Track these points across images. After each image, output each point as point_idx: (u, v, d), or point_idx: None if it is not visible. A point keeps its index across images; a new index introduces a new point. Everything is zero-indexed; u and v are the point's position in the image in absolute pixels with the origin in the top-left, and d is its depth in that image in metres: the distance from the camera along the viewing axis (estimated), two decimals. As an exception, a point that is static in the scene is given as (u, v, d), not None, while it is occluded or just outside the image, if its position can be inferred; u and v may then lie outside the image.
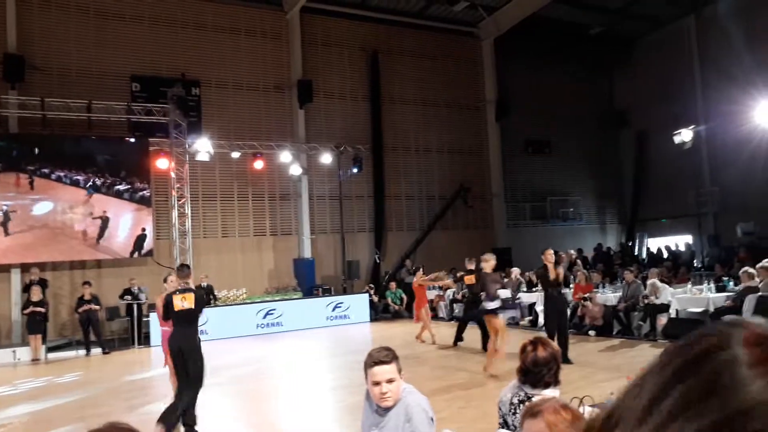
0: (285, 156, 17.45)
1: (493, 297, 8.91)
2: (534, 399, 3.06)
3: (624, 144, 24.05)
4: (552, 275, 9.58)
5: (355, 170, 18.56)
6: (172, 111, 15.99)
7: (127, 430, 1.69)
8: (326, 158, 18.08)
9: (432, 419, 3.16)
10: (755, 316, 9.73)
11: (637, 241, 23.48)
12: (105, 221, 15.62)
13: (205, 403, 7.75)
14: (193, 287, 7.03)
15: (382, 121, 19.87)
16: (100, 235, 15.57)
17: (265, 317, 15.53)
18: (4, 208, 14.70)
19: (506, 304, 9.32)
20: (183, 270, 7.03)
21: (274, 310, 15.68)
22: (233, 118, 17.75)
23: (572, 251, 18.12)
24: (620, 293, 12.57)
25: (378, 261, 19.44)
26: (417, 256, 19.75)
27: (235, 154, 16.99)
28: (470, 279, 10.71)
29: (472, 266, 10.82)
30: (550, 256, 9.66)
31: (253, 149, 17.17)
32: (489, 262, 9.16)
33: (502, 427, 3.77)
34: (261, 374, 10.32)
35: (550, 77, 22.16)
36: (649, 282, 12.00)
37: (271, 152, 17.53)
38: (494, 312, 9.00)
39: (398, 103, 20.38)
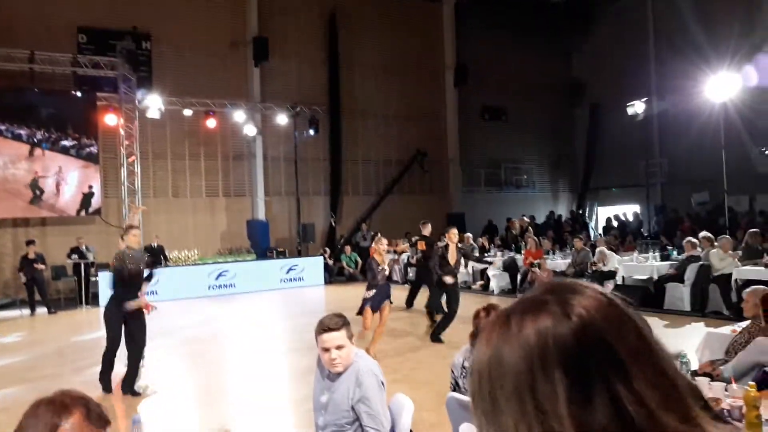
0: (239, 115, 17.07)
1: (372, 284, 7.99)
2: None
3: (579, 114, 24.39)
4: (452, 259, 8.69)
5: (311, 132, 18.32)
6: (121, 65, 15.39)
7: (78, 398, 1.63)
8: (282, 119, 17.78)
9: (382, 383, 3.18)
10: (695, 283, 10.14)
11: (588, 209, 24.03)
12: (48, 178, 15.05)
13: (154, 364, 7.66)
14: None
15: (340, 83, 19.58)
16: (44, 191, 15.01)
17: (217, 278, 15.36)
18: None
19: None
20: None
21: (226, 271, 15.51)
22: (186, 74, 17.18)
23: (525, 218, 18.43)
24: (569, 260, 12.88)
25: (333, 224, 19.39)
26: (373, 220, 19.77)
27: (187, 112, 16.52)
28: (422, 245, 10.81)
29: (426, 231, 10.88)
30: (453, 236, 8.78)
31: (206, 107, 16.73)
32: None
33: (454, 390, 3.83)
34: (212, 336, 10.24)
35: (510, 46, 22.15)
36: (597, 249, 12.32)
37: (225, 111, 17.11)
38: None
39: (357, 67, 20.08)
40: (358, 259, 17.32)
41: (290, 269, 16.41)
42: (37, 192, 14.93)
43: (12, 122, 14.66)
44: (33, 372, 7.92)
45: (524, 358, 0.63)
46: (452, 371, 3.92)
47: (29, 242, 13.59)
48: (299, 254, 17.85)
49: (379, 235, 9.80)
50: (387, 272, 8.29)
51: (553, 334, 0.63)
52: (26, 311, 13.24)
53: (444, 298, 9.29)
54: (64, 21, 15.72)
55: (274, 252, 17.25)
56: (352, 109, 19.95)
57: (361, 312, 8.45)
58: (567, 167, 24.81)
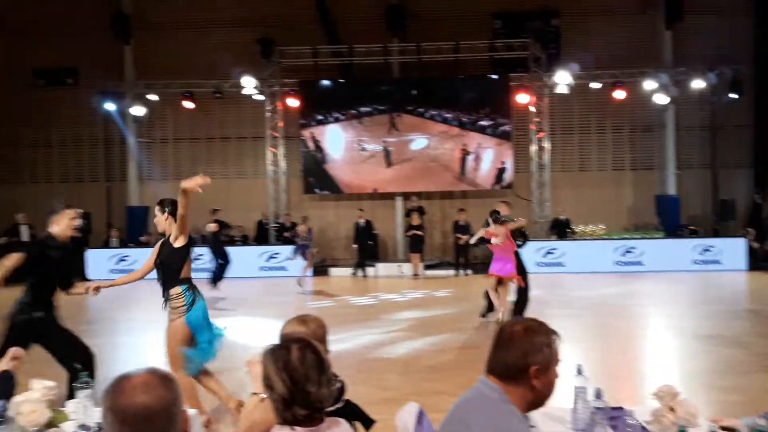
0: (648, 84, 16.19)
1: None
2: None
3: None
4: None
5: (732, 95, 16.18)
6: (532, 45, 16.21)
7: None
8: (697, 83, 16.18)
9: None
10: None
11: None
12: (469, 156, 16.89)
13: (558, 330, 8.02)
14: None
15: (771, 35, 16.75)
16: (465, 168, 16.93)
17: (624, 255, 15.11)
18: (384, 145, 17.01)
19: None
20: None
21: (633, 248, 15.13)
22: (593, 46, 16.95)
23: None
24: None
25: (760, 201, 16.90)
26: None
27: (595, 85, 16.40)
28: None
29: None
30: None
31: (614, 78, 16.33)
32: None
33: None
34: (619, 312, 10.16)
35: None
36: None
37: (633, 80, 16.42)
38: None
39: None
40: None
41: (705, 250, 15.05)
42: (462, 168, 16.91)
43: (441, 107, 16.87)
44: (460, 323, 9.15)
45: None
46: None
47: (461, 210, 15.72)
48: (715, 234, 16.19)
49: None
50: None
51: None
52: (452, 271, 15.31)
53: None
54: (480, 10, 17.16)
55: (686, 230, 16.02)
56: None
57: None
58: None
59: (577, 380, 2.59)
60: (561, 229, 16.06)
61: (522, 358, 1.90)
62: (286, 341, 1.96)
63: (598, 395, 2.48)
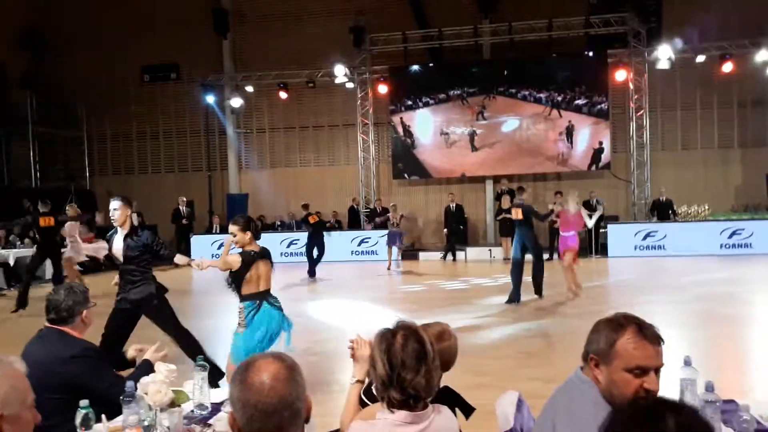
0: (762, 54, 15.07)
1: None
2: None
3: None
4: None
5: None
6: (631, 19, 15.46)
7: (631, 317, 1.87)
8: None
9: None
10: None
11: None
12: (566, 136, 16.41)
13: (661, 318, 7.72)
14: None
15: None
16: (560, 149, 16.47)
17: (730, 237, 14.26)
18: (474, 127, 16.80)
19: None
20: None
21: (741, 230, 14.24)
22: (697, 18, 15.98)
23: None
24: None
25: None
26: None
27: (700, 58, 15.46)
28: None
29: None
30: None
31: (722, 50, 15.32)
32: None
33: None
34: (726, 298, 9.62)
35: None
36: None
37: (743, 52, 15.34)
38: None
39: None
40: None
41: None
42: (557, 149, 16.45)
43: (534, 87, 16.46)
44: (553, 308, 8.99)
45: None
46: None
47: (557, 192, 15.21)
48: (837, 214, 14.94)
49: None
50: None
51: None
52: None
53: None
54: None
55: (802, 211, 14.92)
56: None
57: None
58: None
59: (684, 372, 2.50)
60: (662, 211, 15.35)
61: (586, 344, 1.92)
62: (396, 327, 2.04)
63: (709, 388, 2.38)
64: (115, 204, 5.30)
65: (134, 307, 5.25)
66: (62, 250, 11.10)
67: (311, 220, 13.04)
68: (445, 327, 2.57)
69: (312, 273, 12.98)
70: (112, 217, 5.37)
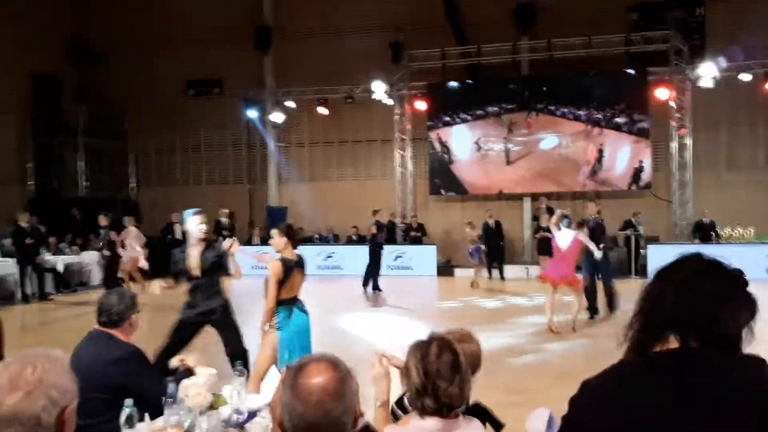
0: (811, 73, 14.69)
1: None
2: None
3: None
4: None
5: None
6: (673, 36, 15.26)
7: None
8: None
9: None
10: None
11: None
12: (604, 154, 16.22)
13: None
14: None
15: None
16: (599, 167, 16.27)
17: (776, 260, 13.83)
18: (510, 144, 16.73)
19: None
20: None
21: (788, 253, 13.81)
22: (742, 35, 15.66)
23: None
24: None
25: None
26: None
27: (744, 77, 15.11)
28: None
29: None
30: None
31: (766, 68, 14.96)
32: None
33: None
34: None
35: None
36: None
37: (792, 70, 14.96)
38: None
39: None
40: None
41: None
42: (596, 167, 16.25)
43: (573, 105, 16.35)
44: (589, 328, 8.88)
45: None
46: None
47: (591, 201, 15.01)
48: None
49: None
50: None
51: None
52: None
53: None
54: (615, 2, 16.33)
55: None
56: None
57: None
58: None
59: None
60: (704, 232, 15.00)
61: None
62: (431, 338, 2.09)
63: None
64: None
65: (204, 319, 5.38)
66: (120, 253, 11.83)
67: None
68: (468, 332, 2.61)
69: (376, 286, 13.21)
70: (200, 230, 5.50)
